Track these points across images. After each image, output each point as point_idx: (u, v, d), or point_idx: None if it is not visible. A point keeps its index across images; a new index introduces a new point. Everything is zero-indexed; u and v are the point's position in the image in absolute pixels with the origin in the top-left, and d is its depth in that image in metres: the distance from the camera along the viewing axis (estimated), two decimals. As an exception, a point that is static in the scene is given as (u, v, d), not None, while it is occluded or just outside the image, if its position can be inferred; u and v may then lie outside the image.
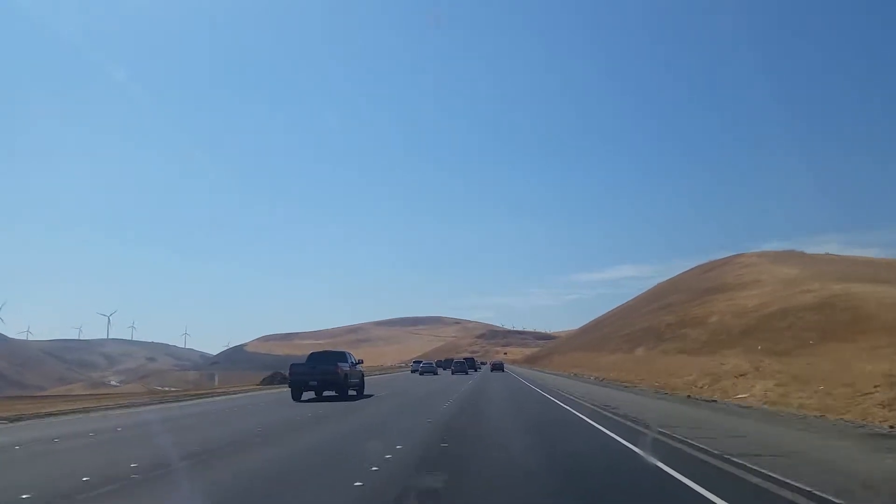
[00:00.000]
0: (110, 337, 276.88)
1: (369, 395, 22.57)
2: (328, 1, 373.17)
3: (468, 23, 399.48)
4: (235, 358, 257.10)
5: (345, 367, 21.27)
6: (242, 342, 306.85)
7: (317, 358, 22.02)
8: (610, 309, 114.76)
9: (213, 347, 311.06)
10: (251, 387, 36.76)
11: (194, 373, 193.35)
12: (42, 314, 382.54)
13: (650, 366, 31.66)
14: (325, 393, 21.29)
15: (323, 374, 20.60)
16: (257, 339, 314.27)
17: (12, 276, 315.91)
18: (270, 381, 39.73)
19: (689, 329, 36.73)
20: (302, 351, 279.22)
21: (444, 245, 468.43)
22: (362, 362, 25.19)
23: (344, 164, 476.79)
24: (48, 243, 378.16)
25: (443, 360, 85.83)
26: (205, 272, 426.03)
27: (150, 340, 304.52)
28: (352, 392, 21.89)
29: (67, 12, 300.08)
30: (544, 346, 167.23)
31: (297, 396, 20.48)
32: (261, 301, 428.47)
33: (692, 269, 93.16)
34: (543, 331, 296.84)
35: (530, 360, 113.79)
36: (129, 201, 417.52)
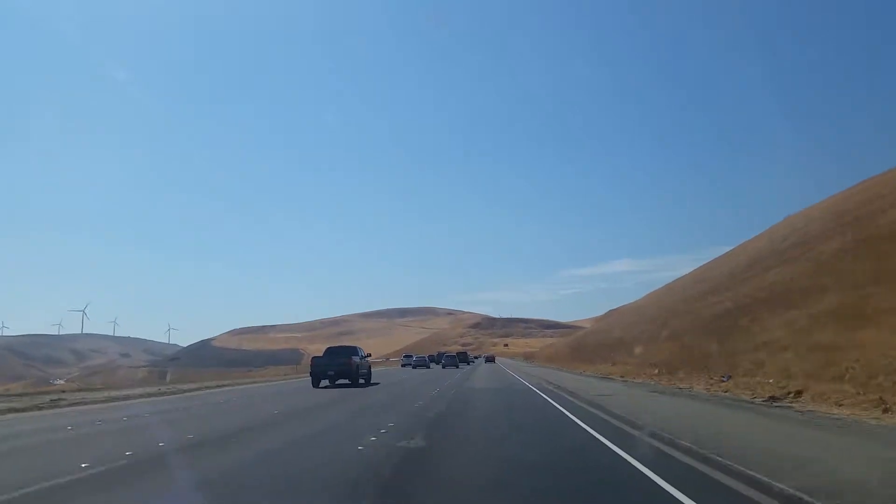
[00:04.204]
0: (88, 332, 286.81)
1: (376, 384, 29.89)
2: (326, 2, 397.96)
3: (463, 20, 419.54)
4: (200, 353, 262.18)
5: (356, 359, 28.60)
6: (211, 336, 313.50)
7: (333, 352, 29.44)
8: (648, 292, 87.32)
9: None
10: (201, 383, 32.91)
11: (144, 370, 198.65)
12: (24, 308, 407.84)
13: None
14: (338, 381, 28.53)
15: (338, 365, 27.90)
16: (227, 332, 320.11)
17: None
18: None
19: None
20: (276, 345, 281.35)
21: (436, 240, 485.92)
22: (370, 356, 32.54)
23: (336, 157, 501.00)
24: (36, 239, 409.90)
25: (435, 354, 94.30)
26: (191, 266, 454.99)
27: (128, 336, 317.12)
28: (361, 381, 29.12)
29: (67, 12, 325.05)
30: (575, 336, 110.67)
31: (316, 384, 27.73)
32: (247, 294, 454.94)
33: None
34: (552, 319, 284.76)
35: (585, 356, 59.01)
36: (116, 198, 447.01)
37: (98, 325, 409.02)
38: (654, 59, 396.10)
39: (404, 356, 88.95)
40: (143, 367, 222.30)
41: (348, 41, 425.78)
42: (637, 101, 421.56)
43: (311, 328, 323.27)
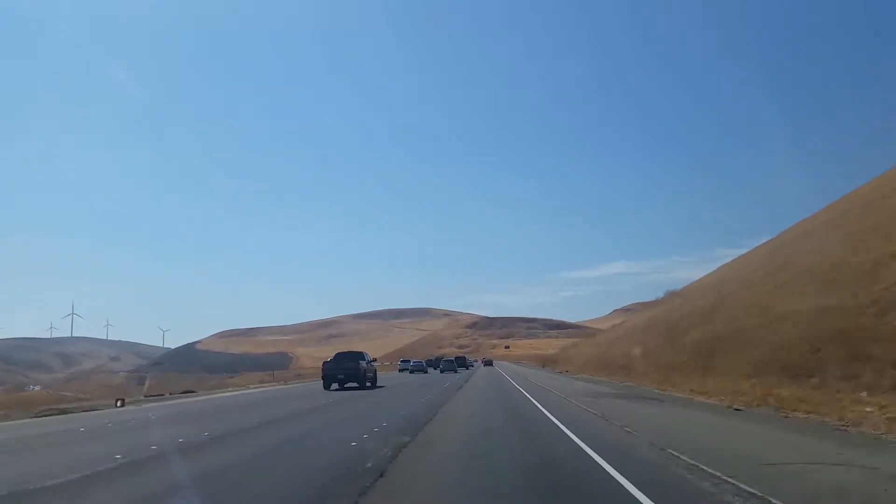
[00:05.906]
0: (80, 335, 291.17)
1: (381, 386, 32.91)
2: (326, 2, 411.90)
3: (463, 20, 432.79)
4: (184, 357, 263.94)
5: (363, 364, 31.56)
6: (197, 339, 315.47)
7: (342, 357, 32.39)
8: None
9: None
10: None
11: (122, 375, 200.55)
12: (16, 311, 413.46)
13: None
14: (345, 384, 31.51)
15: (347, 370, 30.85)
16: (214, 335, 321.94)
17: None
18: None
19: None
20: (264, 349, 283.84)
21: (431, 240, 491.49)
22: (376, 360, 35.64)
23: (333, 156, 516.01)
24: (30, 240, 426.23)
25: (433, 358, 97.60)
26: (186, 267, 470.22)
27: (120, 339, 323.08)
28: (368, 384, 32.08)
29: (67, 12, 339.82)
30: (604, 336, 68.81)
31: (327, 387, 30.57)
32: (239, 295, 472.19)
33: None
34: (558, 319, 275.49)
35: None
36: (113, 198, 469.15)
37: (91, 328, 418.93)
38: (654, 63, 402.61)
39: (401, 361, 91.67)
40: (126, 372, 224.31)
41: (348, 41, 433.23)
42: (637, 102, 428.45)
43: (301, 330, 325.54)
